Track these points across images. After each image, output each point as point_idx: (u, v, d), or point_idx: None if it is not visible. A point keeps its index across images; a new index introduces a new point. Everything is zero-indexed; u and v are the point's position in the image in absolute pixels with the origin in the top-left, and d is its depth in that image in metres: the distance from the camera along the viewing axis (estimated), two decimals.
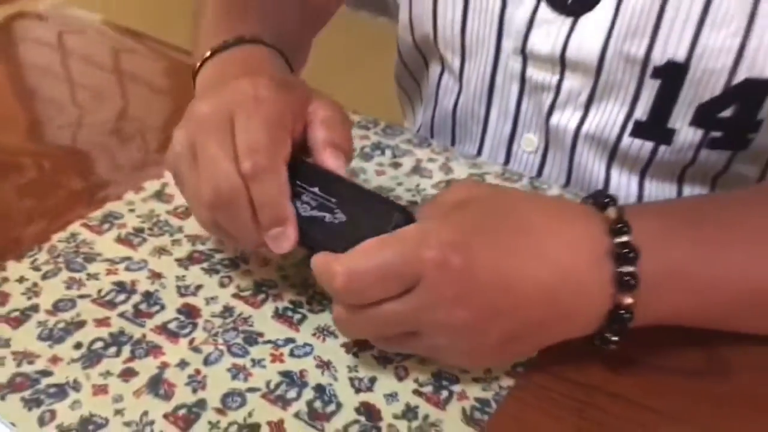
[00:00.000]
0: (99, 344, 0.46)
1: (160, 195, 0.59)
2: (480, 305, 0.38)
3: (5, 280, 0.51)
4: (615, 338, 0.40)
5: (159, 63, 0.81)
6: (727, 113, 0.54)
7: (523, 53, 0.59)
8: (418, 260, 0.37)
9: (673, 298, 0.41)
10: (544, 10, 0.56)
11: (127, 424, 0.41)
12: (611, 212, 0.40)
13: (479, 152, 0.68)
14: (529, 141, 0.64)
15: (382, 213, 0.41)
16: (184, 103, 0.45)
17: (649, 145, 0.58)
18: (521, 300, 0.38)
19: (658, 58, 0.53)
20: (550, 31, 0.56)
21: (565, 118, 0.60)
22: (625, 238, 0.38)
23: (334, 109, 0.45)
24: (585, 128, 0.60)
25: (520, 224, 0.40)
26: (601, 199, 0.41)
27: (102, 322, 0.47)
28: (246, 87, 0.43)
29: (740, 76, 0.52)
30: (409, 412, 0.41)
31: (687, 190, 0.62)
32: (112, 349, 0.45)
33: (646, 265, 0.38)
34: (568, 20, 0.56)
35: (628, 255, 0.38)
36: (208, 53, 0.51)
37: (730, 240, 0.42)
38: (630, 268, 0.38)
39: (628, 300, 0.38)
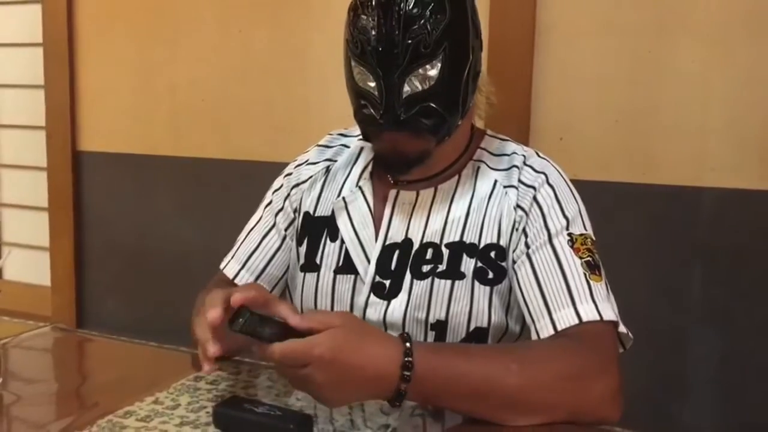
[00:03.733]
0: None
1: None
2: (338, 372, 0.77)
3: None
4: (398, 403, 0.80)
5: None
6: None
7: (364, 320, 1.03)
8: (311, 354, 0.76)
9: (433, 389, 0.81)
10: (373, 298, 1.05)
11: None
12: (407, 342, 0.81)
13: None
14: None
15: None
16: None
17: None
18: (362, 373, 0.78)
19: (431, 318, 1.01)
20: (376, 308, 1.04)
21: None
22: (408, 358, 0.79)
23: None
24: None
25: (366, 340, 0.80)
26: (403, 334, 0.83)
27: None
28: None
29: (473, 326, 1.01)
30: None
31: None
32: None
33: (418, 368, 0.79)
34: (385, 302, 1.04)
35: (408, 364, 0.79)
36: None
37: (470, 358, 0.84)
38: (407, 373, 0.79)
39: (404, 386, 0.79)
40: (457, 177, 1.08)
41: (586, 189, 1.14)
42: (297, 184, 1.16)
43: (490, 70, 1.70)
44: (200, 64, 2.13)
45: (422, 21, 0.94)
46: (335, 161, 1.16)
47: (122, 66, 2.26)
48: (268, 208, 1.17)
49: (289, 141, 1.98)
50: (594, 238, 1.01)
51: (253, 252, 1.15)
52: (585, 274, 0.95)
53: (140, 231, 2.28)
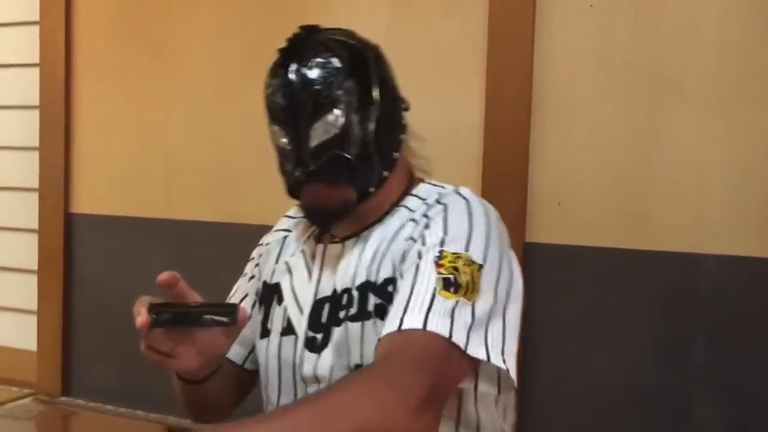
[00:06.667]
0: None
1: None
2: None
3: None
4: None
5: None
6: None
7: (302, 377, 1.04)
8: None
9: None
10: (306, 353, 1.03)
11: None
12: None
13: None
14: None
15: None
16: None
17: None
18: None
19: (351, 363, 0.99)
20: (309, 363, 1.02)
21: None
22: None
23: None
24: None
25: None
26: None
27: None
28: None
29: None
30: None
31: None
32: None
33: None
34: (317, 355, 1.02)
35: None
36: None
37: (261, 422, 0.78)
38: None
39: None
40: (379, 224, 1.06)
41: (584, 255, 1.13)
42: (261, 254, 1.20)
43: (489, 138, 1.70)
44: (194, 127, 2.13)
45: (320, 74, 1.00)
46: (291, 232, 1.18)
47: (117, 129, 2.26)
48: (243, 278, 1.21)
49: (281, 205, 1.96)
50: (480, 263, 0.93)
51: None
52: (434, 289, 0.90)
53: (130, 295, 2.23)
